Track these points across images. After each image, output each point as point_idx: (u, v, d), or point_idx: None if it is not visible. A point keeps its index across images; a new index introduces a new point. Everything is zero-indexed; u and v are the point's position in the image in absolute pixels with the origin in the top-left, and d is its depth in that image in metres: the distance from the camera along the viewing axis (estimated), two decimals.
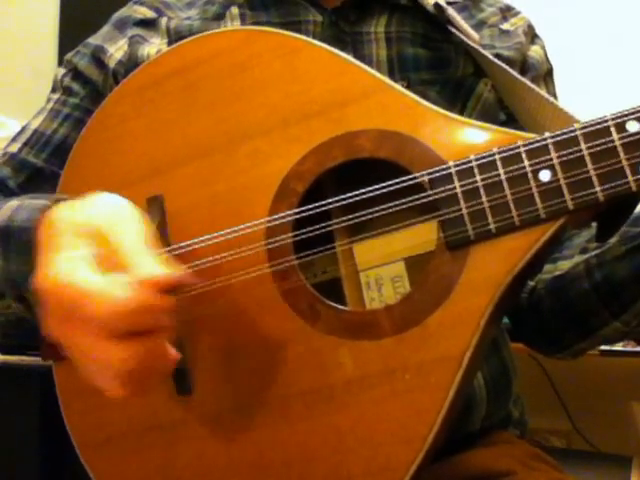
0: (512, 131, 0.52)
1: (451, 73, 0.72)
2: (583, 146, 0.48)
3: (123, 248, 0.46)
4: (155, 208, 0.59)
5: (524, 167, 0.49)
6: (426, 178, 0.52)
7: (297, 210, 0.55)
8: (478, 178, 0.50)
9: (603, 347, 1.51)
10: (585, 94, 1.55)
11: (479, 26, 0.76)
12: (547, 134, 0.50)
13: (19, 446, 1.26)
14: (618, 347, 1.55)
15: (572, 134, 0.49)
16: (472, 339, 0.50)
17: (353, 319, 0.53)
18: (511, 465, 0.67)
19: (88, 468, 0.60)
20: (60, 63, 0.80)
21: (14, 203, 0.58)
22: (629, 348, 1.56)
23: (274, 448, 0.54)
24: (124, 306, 0.43)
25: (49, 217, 0.52)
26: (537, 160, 0.49)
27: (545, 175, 0.49)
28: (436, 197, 0.51)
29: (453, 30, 0.70)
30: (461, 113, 0.67)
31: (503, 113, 0.74)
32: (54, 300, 0.45)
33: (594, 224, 0.57)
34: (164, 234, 0.58)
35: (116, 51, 0.75)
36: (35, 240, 0.52)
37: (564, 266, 0.69)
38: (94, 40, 0.77)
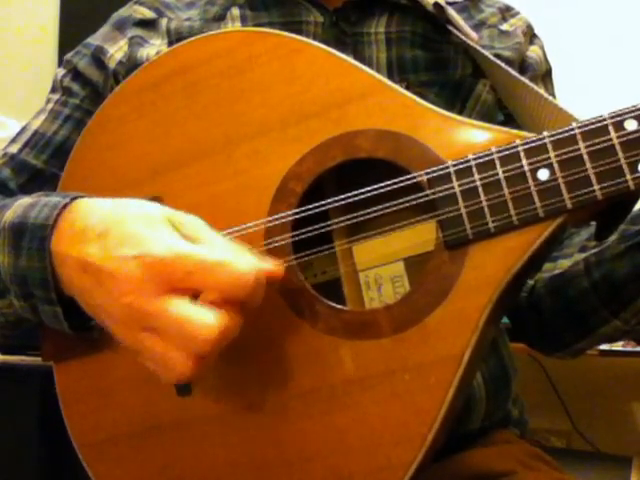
0: (510, 130, 0.52)
1: (450, 74, 0.72)
2: (581, 145, 0.48)
3: (209, 233, 0.49)
4: None
5: (522, 166, 0.49)
6: (424, 178, 0.52)
7: (296, 210, 0.55)
8: (476, 177, 0.50)
9: (603, 347, 1.52)
10: (585, 94, 1.55)
11: (478, 26, 0.76)
12: (545, 133, 0.50)
13: (19, 446, 1.26)
14: (618, 347, 1.56)
15: (570, 133, 0.49)
16: (471, 338, 0.50)
17: (353, 319, 0.53)
18: (511, 465, 0.67)
19: (88, 468, 0.60)
20: (60, 63, 0.80)
21: (26, 200, 0.57)
22: (629, 348, 1.56)
23: (274, 448, 0.54)
24: (245, 280, 0.46)
25: (81, 208, 0.53)
26: (535, 159, 0.49)
27: (543, 174, 0.49)
28: (434, 197, 0.51)
29: (453, 30, 0.70)
30: (460, 114, 0.67)
31: (502, 113, 0.74)
32: (156, 269, 0.46)
33: (593, 223, 0.57)
34: None
35: (116, 52, 0.75)
36: (52, 236, 0.52)
37: (563, 265, 0.69)
38: (94, 40, 0.77)
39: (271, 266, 0.49)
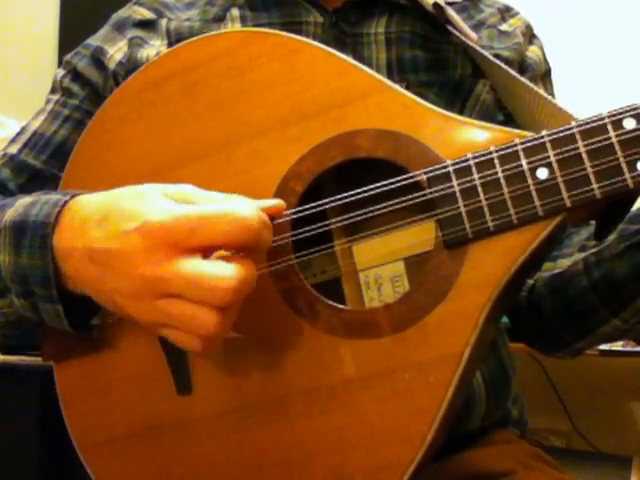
0: (510, 129, 0.52)
1: (450, 74, 0.72)
2: (580, 144, 0.48)
3: (206, 194, 0.49)
4: None
5: (521, 165, 0.50)
6: (424, 177, 0.52)
7: (296, 210, 0.55)
8: (476, 176, 0.50)
9: (603, 347, 1.52)
10: (585, 94, 1.55)
11: (478, 27, 0.76)
12: (544, 132, 0.50)
13: (19, 446, 1.26)
14: (618, 347, 1.56)
15: (569, 132, 0.49)
16: (471, 337, 0.50)
17: (353, 318, 0.53)
18: (511, 465, 0.67)
19: (88, 468, 0.60)
20: (60, 63, 0.80)
21: (26, 199, 0.58)
22: (629, 348, 1.56)
23: (274, 447, 0.54)
24: (249, 223, 0.46)
25: (80, 204, 0.53)
26: (534, 158, 0.49)
27: (542, 173, 0.49)
28: (434, 196, 0.51)
29: (452, 30, 0.70)
30: (460, 114, 0.67)
31: (501, 113, 0.74)
32: (159, 235, 0.46)
33: (593, 222, 0.57)
34: None
35: (116, 52, 0.75)
36: (54, 234, 0.53)
37: (563, 264, 0.69)
38: (93, 41, 0.78)
39: (271, 203, 0.50)
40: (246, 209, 0.47)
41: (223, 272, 0.45)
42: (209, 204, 0.47)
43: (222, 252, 0.47)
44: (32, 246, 0.54)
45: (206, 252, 0.47)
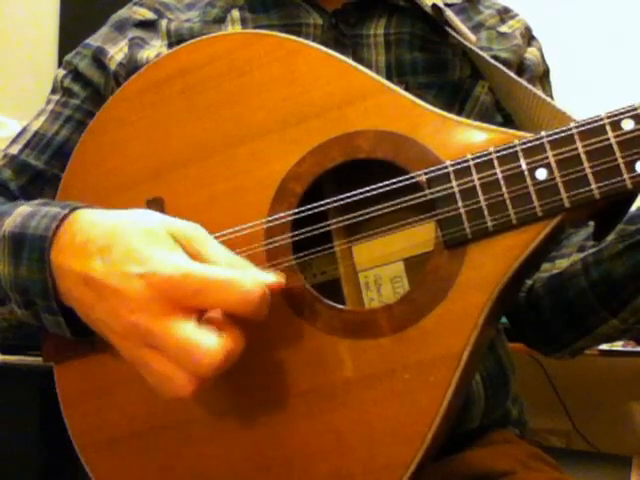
0: (509, 130, 0.52)
1: (449, 76, 0.72)
2: (579, 144, 0.48)
3: (213, 248, 0.49)
4: (155, 210, 0.59)
5: (520, 166, 0.50)
6: (423, 178, 0.52)
7: (296, 210, 0.55)
8: (475, 177, 0.51)
9: (603, 347, 1.52)
10: (584, 95, 1.55)
11: (477, 28, 0.76)
12: (543, 133, 0.50)
13: (19, 446, 1.26)
14: (618, 347, 1.56)
15: (568, 133, 0.49)
16: (471, 337, 0.50)
17: (353, 318, 0.54)
18: (511, 465, 0.67)
19: (88, 469, 0.60)
20: (60, 63, 0.80)
21: (25, 209, 0.57)
22: (629, 348, 1.56)
23: (275, 447, 0.54)
24: (253, 297, 0.46)
25: (82, 221, 0.53)
26: (533, 159, 0.49)
27: (541, 173, 0.49)
28: (433, 196, 0.52)
29: (451, 32, 0.70)
30: (458, 115, 0.67)
31: (500, 115, 0.74)
32: (163, 289, 0.46)
33: (592, 223, 0.57)
34: None
35: (116, 53, 0.75)
36: (52, 248, 0.52)
37: (562, 264, 0.69)
38: (94, 41, 0.78)
39: (274, 279, 0.49)
40: (252, 282, 0.46)
41: (212, 345, 0.45)
42: (217, 267, 0.47)
43: (215, 314, 0.47)
44: (30, 259, 0.54)
45: (202, 313, 0.47)
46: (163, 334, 0.45)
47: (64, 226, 0.53)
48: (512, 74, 0.63)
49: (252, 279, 0.47)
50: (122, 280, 0.47)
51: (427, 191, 0.52)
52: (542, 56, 0.79)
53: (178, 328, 0.45)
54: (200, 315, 0.46)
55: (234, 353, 0.46)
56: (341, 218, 0.55)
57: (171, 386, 0.46)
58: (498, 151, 0.50)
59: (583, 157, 0.48)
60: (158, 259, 0.47)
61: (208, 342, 0.45)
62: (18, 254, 0.55)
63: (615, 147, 0.48)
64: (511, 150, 0.50)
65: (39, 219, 0.55)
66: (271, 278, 0.49)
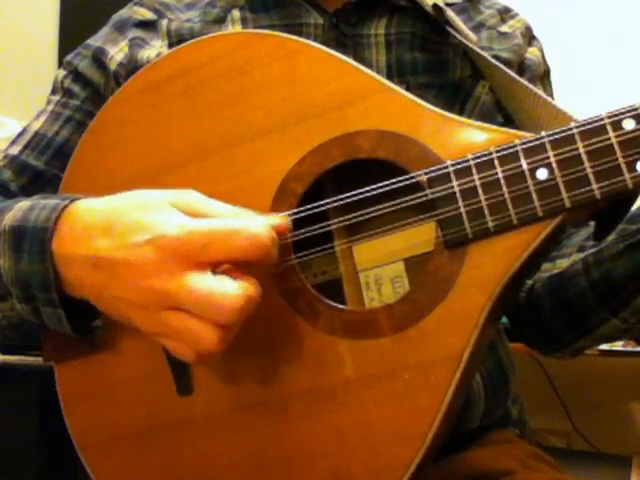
0: (509, 130, 0.52)
1: (449, 76, 0.72)
2: (580, 144, 0.48)
3: (213, 205, 0.50)
4: None
5: (521, 166, 0.50)
6: (424, 177, 0.52)
7: (296, 210, 0.55)
8: (476, 177, 0.51)
9: (603, 347, 1.52)
10: (585, 94, 1.55)
11: (477, 28, 0.76)
12: (544, 133, 0.50)
13: (19, 446, 1.26)
14: (618, 347, 1.56)
15: (569, 132, 0.49)
16: (471, 337, 0.50)
17: (353, 318, 0.54)
18: (511, 465, 0.67)
19: (89, 469, 0.60)
20: (60, 64, 0.80)
21: (25, 203, 0.57)
22: (629, 348, 1.56)
23: (275, 447, 0.54)
24: (262, 240, 0.47)
25: (81, 209, 0.53)
26: (534, 159, 0.49)
27: (542, 173, 0.49)
28: (434, 196, 0.52)
29: (452, 32, 0.70)
30: (459, 115, 0.67)
31: (501, 115, 0.74)
32: (172, 248, 0.46)
33: (592, 223, 0.57)
34: None
35: (117, 53, 0.75)
36: (53, 239, 0.53)
37: (562, 264, 0.69)
38: (94, 42, 0.78)
39: (278, 220, 0.51)
40: (259, 226, 0.47)
41: (231, 291, 0.46)
42: (221, 219, 0.48)
43: (228, 266, 0.48)
44: (31, 251, 0.54)
45: (216, 267, 0.47)
46: (181, 291, 0.46)
47: (64, 216, 0.53)
48: (513, 74, 0.63)
49: (257, 223, 0.48)
50: (130, 251, 0.47)
51: (428, 191, 0.52)
52: (543, 56, 0.79)
53: (194, 281, 0.46)
54: (214, 269, 0.47)
55: (253, 297, 0.47)
56: (342, 218, 0.55)
57: (198, 342, 0.47)
58: (499, 151, 0.50)
59: (584, 157, 0.48)
60: (161, 223, 0.47)
61: (227, 288, 0.46)
62: (19, 247, 0.55)
63: (616, 147, 0.47)
64: (512, 150, 0.50)
65: (39, 211, 0.55)
66: (276, 220, 0.50)
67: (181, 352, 0.48)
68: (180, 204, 0.49)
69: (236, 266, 0.47)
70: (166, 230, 0.47)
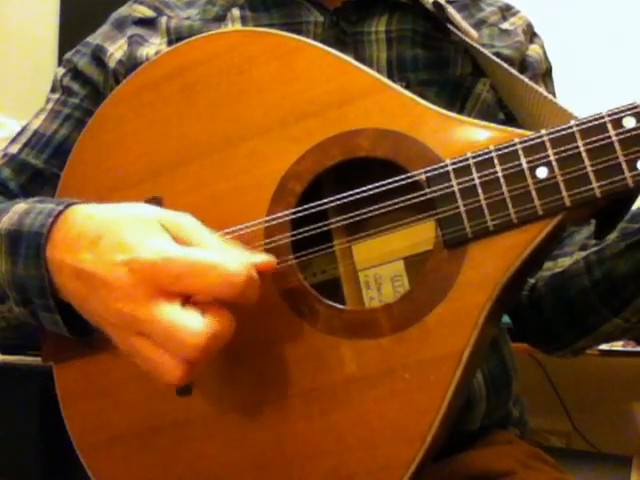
0: (509, 129, 0.52)
1: (450, 73, 0.72)
2: (580, 142, 0.48)
3: (202, 234, 0.49)
4: None
5: (521, 164, 0.49)
6: (423, 176, 0.52)
7: (295, 210, 0.55)
8: (475, 176, 0.50)
9: (603, 347, 1.51)
10: (586, 93, 1.55)
11: (479, 25, 0.76)
12: (544, 131, 0.49)
13: (19, 446, 1.26)
14: (618, 347, 1.55)
15: (569, 131, 0.49)
16: (471, 337, 0.50)
17: (353, 318, 0.53)
18: (511, 465, 0.67)
19: (88, 469, 0.60)
20: (60, 63, 0.79)
21: (22, 206, 0.57)
22: (629, 348, 1.56)
23: (274, 447, 0.54)
24: (236, 280, 0.46)
25: (76, 216, 0.52)
26: (534, 157, 0.49)
27: (542, 172, 0.49)
28: (433, 195, 0.51)
29: (452, 29, 0.70)
30: (460, 113, 0.67)
31: (502, 113, 0.74)
32: (146, 274, 0.46)
33: (594, 221, 0.57)
34: None
35: (116, 50, 0.75)
36: (47, 244, 0.52)
37: (564, 263, 0.69)
38: (93, 39, 0.77)
39: (262, 259, 0.50)
40: (236, 265, 0.46)
41: (196, 327, 0.45)
42: (203, 252, 0.47)
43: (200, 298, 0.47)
44: (27, 256, 0.54)
45: (187, 298, 0.46)
46: (148, 319, 0.45)
47: (59, 222, 0.53)
48: (514, 71, 0.63)
49: (236, 261, 0.46)
50: (108, 269, 0.47)
51: (427, 190, 0.52)
52: (544, 53, 0.79)
53: (161, 312, 0.45)
54: (185, 300, 0.46)
55: (220, 334, 0.46)
56: (341, 217, 0.55)
57: (162, 371, 0.46)
58: (498, 149, 0.50)
59: (584, 155, 0.48)
60: (142, 246, 0.47)
61: (191, 323, 0.45)
62: (15, 251, 0.55)
63: (616, 145, 0.47)
64: (511, 148, 0.50)
65: (34, 216, 0.55)
66: (259, 259, 0.49)
67: (151, 377, 0.48)
68: (169, 225, 0.49)
69: (209, 299, 0.47)
70: (143, 254, 0.46)
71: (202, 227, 0.49)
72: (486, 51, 0.67)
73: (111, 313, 0.47)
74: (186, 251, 0.46)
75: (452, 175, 0.51)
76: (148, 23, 0.76)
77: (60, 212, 0.53)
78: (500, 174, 0.50)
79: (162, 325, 0.45)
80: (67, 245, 0.51)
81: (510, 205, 0.49)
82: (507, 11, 0.80)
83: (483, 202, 0.50)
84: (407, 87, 0.56)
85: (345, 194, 0.54)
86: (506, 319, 0.73)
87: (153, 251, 0.46)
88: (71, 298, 0.52)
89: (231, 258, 0.47)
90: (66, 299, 0.53)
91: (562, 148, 0.49)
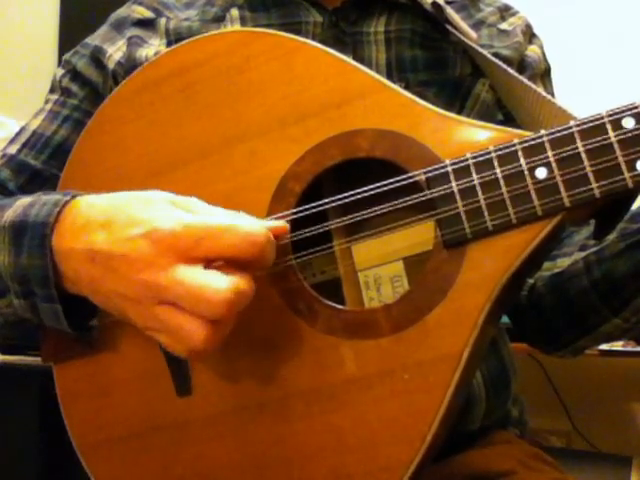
0: (508, 129, 0.52)
1: (449, 74, 0.72)
2: (579, 143, 0.48)
3: (209, 207, 0.50)
4: None
5: (520, 165, 0.49)
6: (423, 177, 0.52)
7: (295, 210, 0.55)
8: (475, 176, 0.50)
9: (603, 347, 1.52)
10: (585, 94, 1.55)
11: (477, 25, 0.76)
12: (543, 132, 0.49)
13: (19, 446, 1.27)
14: (618, 347, 1.55)
15: (568, 131, 0.49)
16: (470, 337, 0.50)
17: (352, 318, 0.53)
18: (511, 465, 0.67)
19: (88, 469, 0.60)
20: (60, 63, 0.80)
21: (26, 200, 0.58)
22: (629, 348, 1.56)
23: (274, 448, 0.54)
24: (256, 239, 0.47)
25: (82, 205, 0.53)
26: (533, 158, 0.49)
27: (541, 172, 0.49)
28: (433, 196, 0.51)
29: (451, 29, 0.70)
30: (459, 113, 0.67)
31: (501, 113, 0.74)
32: (167, 242, 0.46)
33: (593, 221, 0.57)
34: None
35: (115, 52, 0.75)
36: (53, 234, 0.53)
37: (563, 263, 0.69)
38: (92, 40, 0.77)
39: (276, 223, 0.51)
40: (253, 225, 0.47)
41: (220, 284, 0.45)
42: (218, 217, 0.48)
43: (222, 263, 0.47)
44: (31, 246, 0.54)
45: (209, 263, 0.47)
46: (172, 284, 0.46)
47: (65, 212, 0.53)
48: (513, 72, 0.63)
49: (253, 223, 0.48)
50: (126, 245, 0.48)
51: (426, 190, 0.52)
52: (543, 54, 0.79)
53: (185, 275, 0.46)
54: (207, 264, 0.47)
55: (244, 292, 0.47)
56: (341, 218, 0.55)
57: (188, 339, 0.46)
58: (498, 150, 0.50)
59: (583, 156, 0.48)
60: (157, 217, 0.48)
61: (217, 282, 0.45)
62: (19, 242, 0.55)
63: (616, 145, 0.47)
64: (511, 149, 0.50)
65: (40, 207, 0.55)
66: (274, 222, 0.51)
67: (173, 348, 0.48)
68: (179, 202, 0.49)
69: (230, 263, 0.47)
70: (161, 224, 0.47)
71: (211, 206, 0.50)
72: (485, 52, 0.67)
73: (133, 286, 0.48)
74: (203, 217, 0.48)
75: (452, 175, 0.51)
76: (147, 24, 0.76)
77: (66, 202, 0.54)
78: (499, 174, 0.50)
79: (186, 287, 0.46)
80: (75, 233, 0.52)
81: (509, 205, 0.49)
82: (506, 11, 0.80)
83: (482, 202, 0.50)
84: (406, 88, 0.56)
85: (345, 194, 0.54)
86: (505, 319, 0.73)
87: (171, 220, 0.47)
88: (84, 284, 0.52)
89: (248, 220, 0.48)
90: (77, 289, 0.53)
91: (561, 149, 0.49)
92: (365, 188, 0.53)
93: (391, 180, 0.53)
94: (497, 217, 0.50)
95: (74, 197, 0.54)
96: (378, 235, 0.57)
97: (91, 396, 0.60)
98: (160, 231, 0.47)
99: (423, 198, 0.52)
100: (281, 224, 0.52)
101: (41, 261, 0.53)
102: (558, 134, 0.49)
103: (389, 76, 0.70)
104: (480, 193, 0.50)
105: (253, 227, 0.47)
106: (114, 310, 0.51)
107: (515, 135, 0.51)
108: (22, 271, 0.55)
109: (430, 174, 0.52)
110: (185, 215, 0.48)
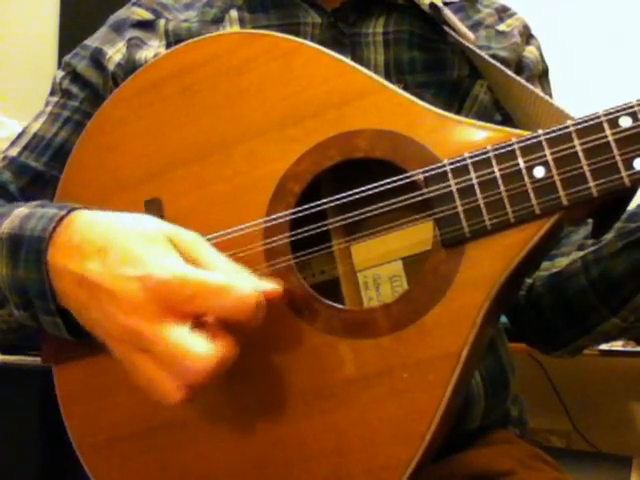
0: (506, 129, 0.52)
1: (447, 75, 0.72)
2: (576, 142, 0.48)
3: (211, 254, 0.49)
4: (153, 211, 0.59)
5: (518, 164, 0.50)
6: (421, 176, 0.52)
7: (294, 210, 0.55)
8: (473, 176, 0.50)
9: (603, 347, 1.52)
10: (584, 94, 1.55)
11: (475, 27, 0.76)
12: (540, 131, 0.50)
13: (19, 446, 1.27)
14: (618, 347, 1.56)
15: (565, 130, 0.49)
16: (469, 336, 0.50)
17: (351, 318, 0.53)
18: (511, 465, 0.67)
19: (88, 470, 0.60)
20: (60, 64, 0.80)
21: (23, 210, 0.57)
22: (629, 348, 1.56)
23: (274, 447, 0.54)
24: (249, 304, 0.46)
25: (79, 221, 0.52)
26: (531, 157, 0.49)
27: (539, 171, 0.49)
28: (431, 195, 0.52)
29: (449, 31, 0.70)
30: (457, 114, 0.67)
31: (499, 114, 0.74)
32: (159, 292, 0.45)
33: (591, 221, 0.57)
34: None
35: (115, 53, 0.75)
36: (49, 249, 0.52)
37: (561, 263, 0.69)
38: (92, 42, 0.78)
39: (271, 287, 0.49)
40: (248, 289, 0.46)
41: (204, 352, 0.44)
42: (215, 273, 0.47)
43: (211, 320, 0.47)
44: (28, 260, 0.54)
45: (197, 319, 0.46)
46: (155, 338, 0.45)
47: (61, 227, 0.53)
48: (511, 73, 0.63)
49: (248, 286, 0.46)
50: (117, 282, 0.47)
51: (425, 190, 0.52)
52: (541, 55, 0.79)
53: (170, 333, 0.45)
54: (195, 321, 0.46)
55: (225, 361, 0.46)
56: (339, 217, 0.55)
57: (160, 392, 0.46)
58: (496, 149, 0.50)
59: (581, 155, 0.48)
60: (155, 262, 0.46)
61: (199, 349, 0.44)
62: (16, 255, 0.55)
63: (613, 144, 0.47)
64: (509, 148, 0.50)
65: (36, 220, 0.55)
66: (268, 286, 0.49)
67: (146, 392, 0.47)
68: (177, 242, 0.49)
69: (219, 321, 0.46)
70: (157, 272, 0.46)
71: (209, 246, 0.50)
72: (482, 53, 0.67)
73: (115, 326, 0.47)
74: (200, 272, 0.46)
75: (450, 175, 0.51)
76: (147, 26, 0.76)
77: (62, 217, 0.53)
78: (497, 174, 0.50)
79: (168, 346, 0.45)
80: (70, 251, 0.51)
81: (508, 205, 0.49)
82: (503, 12, 0.80)
83: (481, 202, 0.50)
84: (405, 89, 0.56)
85: (344, 194, 0.54)
86: (504, 319, 0.73)
87: (167, 270, 0.46)
88: (71, 304, 0.52)
89: (243, 282, 0.47)
90: (66, 305, 0.53)
91: (559, 148, 0.49)
92: (364, 188, 0.53)
93: (390, 180, 0.53)
94: (495, 216, 0.50)
95: (70, 211, 0.54)
96: (377, 235, 0.57)
97: (91, 397, 0.60)
98: (155, 279, 0.45)
99: (421, 198, 0.52)
100: (275, 288, 0.50)
101: (38, 275, 0.53)
102: (555, 133, 0.49)
103: (387, 77, 0.70)
104: (478, 192, 0.50)
105: (246, 291, 0.46)
106: (98, 335, 0.50)
107: (513, 135, 0.51)
108: (20, 284, 0.55)
109: (428, 174, 0.52)
110: (183, 266, 0.47)
